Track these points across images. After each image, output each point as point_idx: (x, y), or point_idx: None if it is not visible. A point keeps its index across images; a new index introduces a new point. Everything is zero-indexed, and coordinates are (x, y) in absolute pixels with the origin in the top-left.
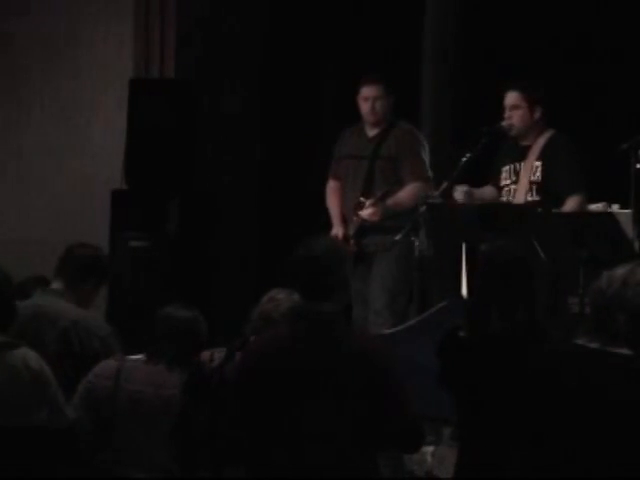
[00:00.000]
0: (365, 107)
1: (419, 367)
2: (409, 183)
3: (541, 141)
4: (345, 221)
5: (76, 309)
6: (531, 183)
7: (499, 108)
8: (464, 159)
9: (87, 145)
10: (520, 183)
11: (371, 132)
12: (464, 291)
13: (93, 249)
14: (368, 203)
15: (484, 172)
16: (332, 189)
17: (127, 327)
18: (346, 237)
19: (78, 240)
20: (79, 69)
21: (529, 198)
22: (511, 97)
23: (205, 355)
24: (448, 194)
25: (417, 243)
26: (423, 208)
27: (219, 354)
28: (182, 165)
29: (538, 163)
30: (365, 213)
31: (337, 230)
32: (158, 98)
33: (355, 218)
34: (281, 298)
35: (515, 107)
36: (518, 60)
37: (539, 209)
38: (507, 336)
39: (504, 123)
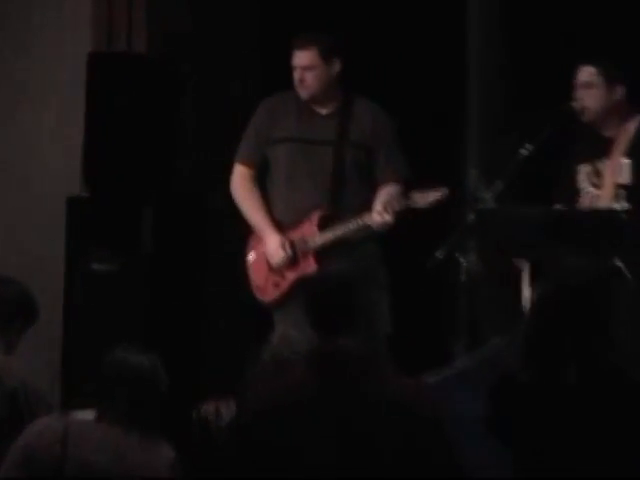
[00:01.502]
0: (295, 79)
1: (469, 423)
2: (387, 184)
3: (629, 131)
4: (279, 228)
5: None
6: (617, 187)
7: (567, 90)
8: (523, 152)
9: (34, 139)
10: (604, 187)
11: (323, 109)
12: (525, 323)
13: (15, 286)
14: (382, 205)
15: (550, 170)
16: (247, 179)
17: (86, 378)
18: (293, 251)
19: (21, 264)
20: (23, 42)
21: (615, 206)
22: (584, 73)
23: (209, 408)
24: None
25: (463, 261)
26: (471, 216)
27: (226, 407)
28: (158, 163)
29: (626, 160)
30: (382, 218)
31: (279, 240)
32: (126, 78)
33: (315, 225)
34: (294, 336)
35: (589, 85)
36: (590, 31)
37: (625, 216)
38: (583, 384)
39: (574, 104)
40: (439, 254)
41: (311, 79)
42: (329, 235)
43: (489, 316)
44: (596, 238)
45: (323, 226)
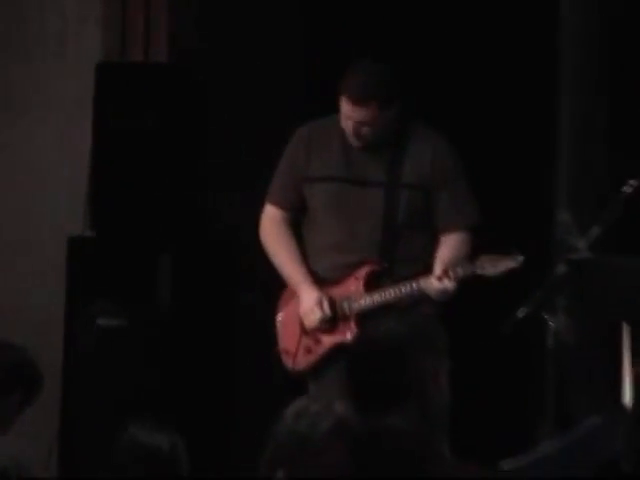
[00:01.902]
0: (345, 124)
1: None
2: (453, 233)
3: None
4: (318, 284)
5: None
6: None
7: None
8: (626, 189)
9: (31, 163)
10: None
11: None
12: (627, 399)
13: (14, 352)
14: (443, 270)
15: None
16: (282, 224)
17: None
18: (333, 312)
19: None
20: (26, 50)
21: None
22: None
23: None
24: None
25: (551, 323)
26: (562, 268)
27: None
28: (180, 197)
29: None
30: (441, 285)
31: (317, 296)
32: (142, 93)
33: (362, 284)
34: (316, 411)
35: None
36: None
37: None
38: None
39: None
40: (520, 314)
41: (369, 132)
42: (377, 298)
43: (583, 390)
44: None
45: (371, 285)
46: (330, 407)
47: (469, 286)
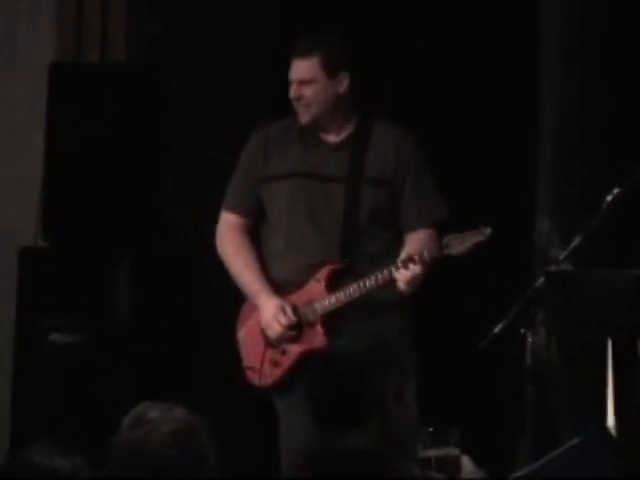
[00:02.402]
0: (291, 95)
1: None
2: (418, 230)
3: None
4: (278, 289)
5: None
6: None
7: None
8: (609, 197)
9: None
10: None
11: (333, 135)
12: (611, 419)
13: None
14: (407, 254)
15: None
16: (238, 230)
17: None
18: (300, 321)
19: None
20: None
21: None
22: None
23: None
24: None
25: (530, 339)
26: (540, 280)
27: None
28: (139, 205)
29: None
30: (408, 271)
31: (278, 304)
32: (98, 94)
33: (323, 285)
34: (156, 419)
35: None
36: None
37: None
38: None
39: None
40: (497, 330)
41: (310, 95)
42: (341, 297)
43: (565, 409)
44: None
45: (334, 285)
46: (171, 412)
47: (445, 299)
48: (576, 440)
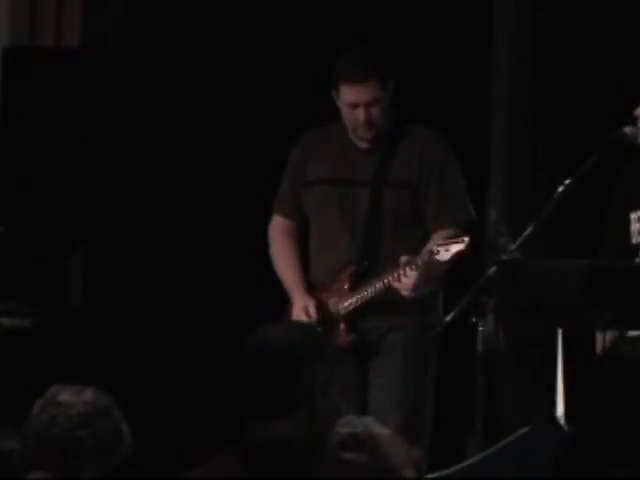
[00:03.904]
0: (352, 116)
1: None
2: (442, 230)
3: None
4: (314, 289)
5: None
6: None
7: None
8: (559, 190)
9: None
10: None
11: (364, 142)
12: (560, 409)
13: None
14: (403, 263)
15: (596, 215)
16: (283, 232)
17: None
18: (324, 316)
19: None
20: None
21: None
22: None
23: None
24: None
25: (481, 328)
26: (492, 270)
27: None
28: (92, 190)
29: None
30: (403, 283)
31: (303, 303)
32: (52, 79)
33: (346, 285)
34: (64, 402)
35: None
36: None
37: None
38: None
39: (627, 129)
40: (448, 318)
41: (378, 114)
42: (361, 296)
43: (514, 398)
44: None
45: (356, 285)
46: (80, 395)
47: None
48: (525, 430)
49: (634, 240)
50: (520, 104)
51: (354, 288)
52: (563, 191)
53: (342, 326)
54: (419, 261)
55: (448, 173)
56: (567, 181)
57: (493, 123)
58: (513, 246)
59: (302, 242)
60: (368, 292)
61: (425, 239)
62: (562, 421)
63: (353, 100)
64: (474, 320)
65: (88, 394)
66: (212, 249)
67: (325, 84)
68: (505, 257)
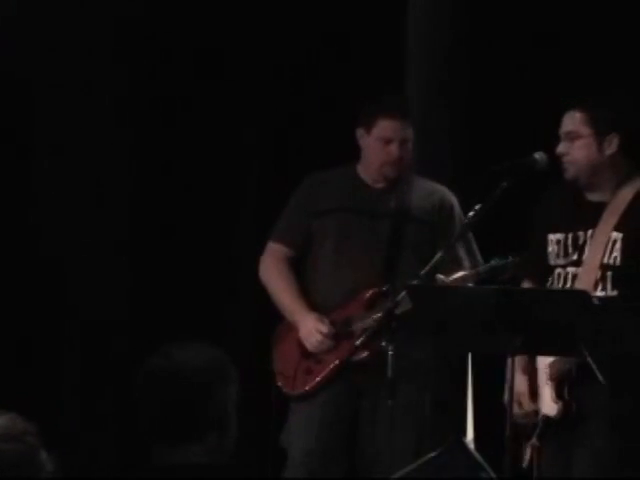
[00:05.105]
0: (384, 152)
1: None
2: (458, 269)
3: (625, 196)
4: (321, 310)
5: None
6: (604, 267)
7: (532, 139)
8: (470, 215)
9: None
10: (585, 265)
11: (377, 184)
12: (470, 431)
13: None
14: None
15: (507, 238)
16: (281, 260)
17: None
18: (337, 332)
19: None
20: None
21: (598, 293)
22: (570, 120)
23: None
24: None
25: (391, 352)
26: (401, 295)
27: None
28: (3, 210)
29: (617, 235)
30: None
31: (316, 317)
32: None
33: (364, 302)
34: None
35: (575, 136)
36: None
37: (596, 300)
38: None
39: (537, 156)
40: (358, 342)
41: (409, 153)
42: (376, 318)
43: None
44: (563, 329)
45: (372, 307)
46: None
47: None
48: (433, 454)
49: (552, 262)
50: (432, 104)
51: (371, 307)
52: (473, 216)
53: (354, 341)
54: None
55: (459, 223)
56: (477, 206)
57: None
58: (423, 271)
59: (296, 272)
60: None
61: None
62: (471, 445)
63: (391, 135)
64: (384, 344)
65: (2, 419)
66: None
67: None
68: (415, 282)
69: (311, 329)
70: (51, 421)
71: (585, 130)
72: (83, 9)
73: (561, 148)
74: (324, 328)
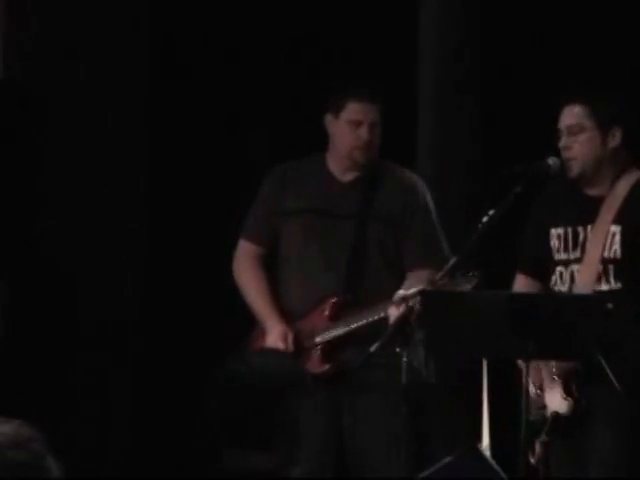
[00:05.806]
0: (353, 136)
1: None
2: (420, 269)
3: (622, 189)
4: (287, 317)
5: None
6: (605, 261)
7: (542, 140)
8: (484, 220)
9: None
10: (586, 260)
11: (346, 175)
12: (485, 439)
13: None
14: (399, 297)
15: (517, 241)
16: (252, 259)
17: None
18: (299, 345)
19: None
20: None
21: (602, 287)
22: (571, 114)
23: None
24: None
25: (406, 359)
26: (416, 300)
27: None
28: (12, 222)
29: (616, 228)
30: (399, 310)
31: (282, 330)
32: None
33: (326, 315)
34: None
35: (578, 129)
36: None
37: (610, 305)
38: None
39: (550, 161)
40: (373, 349)
41: (377, 137)
42: (341, 328)
43: (438, 429)
44: (575, 332)
45: (336, 316)
46: (1, 426)
47: None
48: (449, 459)
49: (551, 256)
50: (448, 104)
51: (335, 318)
52: (487, 221)
53: (318, 354)
54: (406, 293)
55: (427, 216)
56: (490, 211)
57: (419, 146)
58: (438, 276)
59: (267, 270)
60: (356, 323)
61: (400, 278)
62: (487, 451)
63: (361, 118)
64: (398, 350)
65: (8, 426)
66: (134, 279)
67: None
68: (429, 287)
69: (274, 344)
70: (62, 423)
71: (588, 123)
72: (89, 11)
73: (564, 142)
74: (283, 346)
